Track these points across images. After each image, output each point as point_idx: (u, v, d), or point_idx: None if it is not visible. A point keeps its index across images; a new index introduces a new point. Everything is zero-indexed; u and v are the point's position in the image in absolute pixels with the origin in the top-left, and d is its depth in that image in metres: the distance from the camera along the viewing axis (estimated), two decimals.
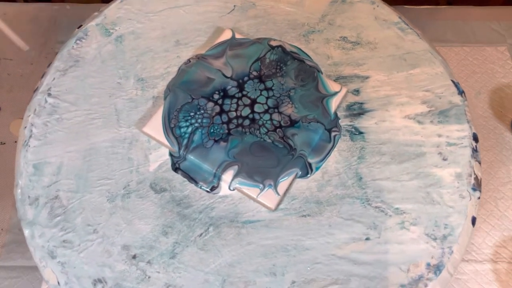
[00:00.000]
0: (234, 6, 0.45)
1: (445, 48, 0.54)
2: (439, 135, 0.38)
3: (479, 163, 0.38)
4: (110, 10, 0.44)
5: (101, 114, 0.39)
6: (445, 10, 0.57)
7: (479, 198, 0.36)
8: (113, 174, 0.37)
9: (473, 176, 0.37)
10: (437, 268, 0.33)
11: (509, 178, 0.47)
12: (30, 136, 0.38)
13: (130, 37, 0.43)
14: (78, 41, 0.43)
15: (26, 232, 0.35)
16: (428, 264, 0.34)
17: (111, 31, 0.43)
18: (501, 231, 0.45)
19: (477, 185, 0.37)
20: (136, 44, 0.43)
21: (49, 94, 0.40)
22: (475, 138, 0.39)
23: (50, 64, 0.42)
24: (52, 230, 0.35)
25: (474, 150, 0.38)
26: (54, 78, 0.41)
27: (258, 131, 0.38)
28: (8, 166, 0.48)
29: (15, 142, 0.48)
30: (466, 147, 0.38)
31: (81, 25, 0.44)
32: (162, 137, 0.37)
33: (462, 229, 0.35)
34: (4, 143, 0.48)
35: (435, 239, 0.34)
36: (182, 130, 0.38)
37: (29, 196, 0.36)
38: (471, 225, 0.35)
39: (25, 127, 0.39)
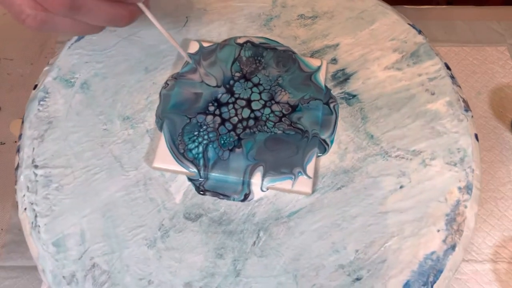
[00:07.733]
0: (187, 17, 0.44)
1: (445, 48, 0.53)
2: (419, 75, 0.41)
3: (460, 87, 0.42)
4: (61, 60, 0.41)
5: (101, 166, 0.37)
6: (445, 10, 0.57)
7: (472, 116, 0.40)
8: (142, 220, 0.35)
9: (461, 100, 0.40)
10: (468, 188, 0.37)
11: (509, 178, 0.47)
12: (36, 216, 0.35)
13: (95, 80, 0.40)
14: (41, 102, 0.39)
15: None
16: (459, 188, 0.37)
17: (72, 80, 0.40)
18: (501, 231, 0.45)
19: (467, 106, 0.40)
20: (105, 84, 0.40)
21: (36, 166, 0.36)
22: (447, 67, 0.42)
23: (21, 135, 0.38)
24: None
25: (452, 77, 0.42)
26: (33, 148, 0.37)
27: (265, 127, 0.38)
28: (8, 166, 0.45)
29: (15, 142, 0.47)
30: (444, 77, 0.41)
31: (36, 85, 0.40)
32: (176, 166, 0.36)
33: (472, 148, 0.38)
34: (4, 143, 0.47)
35: (455, 164, 0.38)
36: (194, 151, 0.36)
37: (63, 277, 0.33)
38: (476, 141, 0.39)
39: (25, 209, 0.35)
